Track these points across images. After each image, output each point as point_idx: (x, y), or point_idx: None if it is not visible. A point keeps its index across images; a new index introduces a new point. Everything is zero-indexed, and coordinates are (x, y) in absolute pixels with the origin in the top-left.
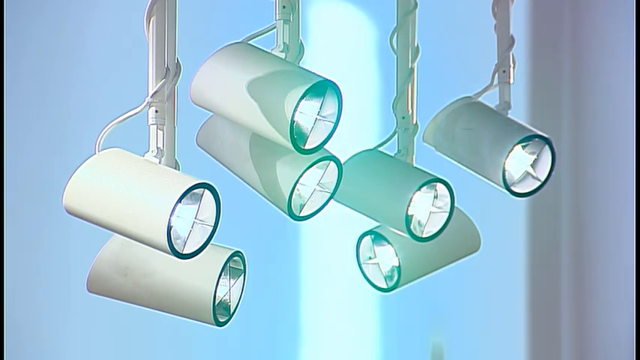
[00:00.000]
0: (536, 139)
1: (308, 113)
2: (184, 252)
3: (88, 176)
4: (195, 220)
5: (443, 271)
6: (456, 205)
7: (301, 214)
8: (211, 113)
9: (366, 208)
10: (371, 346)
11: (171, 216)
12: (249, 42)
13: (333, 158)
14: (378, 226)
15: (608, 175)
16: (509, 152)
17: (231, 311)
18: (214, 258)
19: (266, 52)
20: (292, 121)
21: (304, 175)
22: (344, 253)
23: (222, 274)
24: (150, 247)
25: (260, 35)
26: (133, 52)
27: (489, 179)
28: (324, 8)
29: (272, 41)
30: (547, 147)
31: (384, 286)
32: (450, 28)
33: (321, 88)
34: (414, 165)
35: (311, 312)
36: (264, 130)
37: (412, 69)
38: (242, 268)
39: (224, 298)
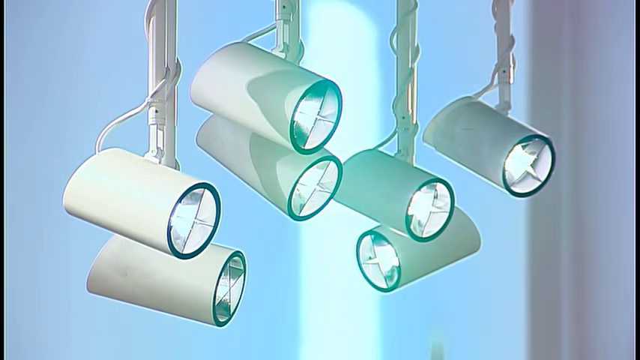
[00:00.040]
0: (536, 139)
1: (308, 113)
2: (184, 252)
3: (88, 176)
4: (195, 220)
5: (443, 271)
6: (456, 205)
7: (301, 214)
8: (211, 113)
9: (366, 208)
10: (371, 346)
11: (171, 216)
12: (249, 42)
13: (333, 158)
14: (378, 226)
15: (608, 175)
16: (509, 152)
17: (231, 311)
18: (214, 258)
19: (266, 52)
20: (292, 121)
21: (304, 175)
22: (344, 253)
23: (222, 274)
24: (150, 247)
25: (260, 35)
26: (133, 52)
27: (489, 179)
28: (324, 8)
29: (272, 41)
30: (547, 147)
31: (384, 286)
32: (450, 28)
33: (321, 88)
34: (414, 165)
35: (311, 312)
36: (264, 130)
37: (412, 69)
38: (242, 268)
39: (224, 298)
